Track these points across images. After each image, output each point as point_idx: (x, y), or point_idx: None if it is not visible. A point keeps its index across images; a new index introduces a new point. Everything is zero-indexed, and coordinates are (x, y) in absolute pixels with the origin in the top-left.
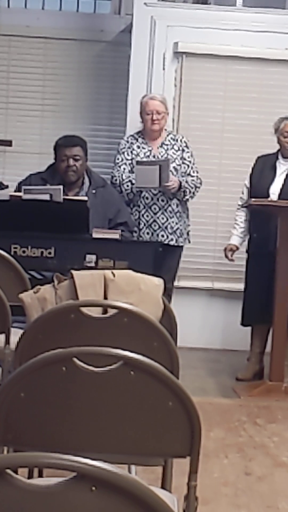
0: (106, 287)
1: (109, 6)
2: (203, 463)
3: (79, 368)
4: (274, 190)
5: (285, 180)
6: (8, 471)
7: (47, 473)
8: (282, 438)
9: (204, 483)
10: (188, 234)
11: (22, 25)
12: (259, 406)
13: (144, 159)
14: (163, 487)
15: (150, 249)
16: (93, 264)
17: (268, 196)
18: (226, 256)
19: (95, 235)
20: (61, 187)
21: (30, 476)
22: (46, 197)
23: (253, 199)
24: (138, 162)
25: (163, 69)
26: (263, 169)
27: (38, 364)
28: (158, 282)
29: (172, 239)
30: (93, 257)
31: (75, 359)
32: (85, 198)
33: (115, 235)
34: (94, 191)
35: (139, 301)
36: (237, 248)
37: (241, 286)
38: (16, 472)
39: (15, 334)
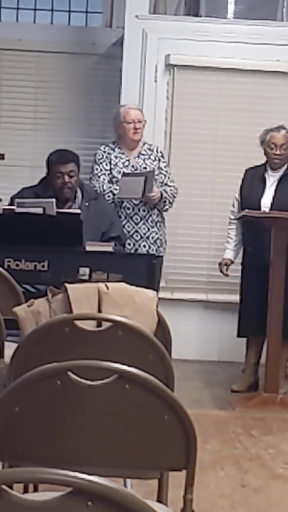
0: (100, 300)
1: (101, 19)
2: (199, 476)
3: (73, 381)
4: (266, 202)
5: (275, 192)
6: (4, 487)
7: (42, 487)
8: (278, 449)
9: (200, 496)
10: (166, 243)
11: (13, 38)
12: (254, 418)
13: (129, 171)
14: (159, 500)
15: (144, 262)
16: (86, 277)
17: (260, 208)
18: (221, 271)
19: (88, 248)
20: (53, 200)
21: (25, 491)
22: (39, 210)
23: (246, 211)
24: (124, 174)
25: (155, 81)
26: (253, 181)
27: (32, 378)
28: (152, 294)
29: (153, 249)
30: (87, 270)
31: (69, 373)
32: (78, 211)
33: (108, 247)
34: (87, 204)
35: (134, 314)
36: (232, 262)
37: (235, 297)
38: (11, 488)
39: (9, 348)
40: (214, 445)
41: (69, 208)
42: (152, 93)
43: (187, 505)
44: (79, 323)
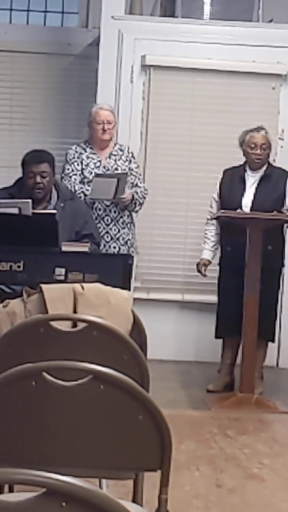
0: (76, 300)
1: (76, 20)
2: (174, 476)
3: (48, 382)
4: (246, 203)
5: (255, 192)
6: None
7: (17, 488)
8: (253, 449)
9: (175, 496)
10: (135, 244)
11: None
12: (229, 418)
13: (101, 172)
14: (134, 500)
15: (119, 262)
16: (62, 277)
17: (241, 208)
18: (199, 271)
19: (64, 248)
20: (29, 200)
21: (0, 491)
22: (15, 210)
23: (221, 211)
24: (96, 175)
25: (131, 82)
26: (232, 181)
27: (7, 379)
28: (127, 295)
29: (124, 251)
30: (63, 270)
31: (44, 374)
32: (54, 211)
33: (84, 248)
34: (62, 204)
35: (109, 315)
36: (210, 263)
37: (211, 298)
38: None
39: None
40: (190, 445)
41: (44, 208)
42: (128, 93)
43: (162, 505)
44: (54, 323)
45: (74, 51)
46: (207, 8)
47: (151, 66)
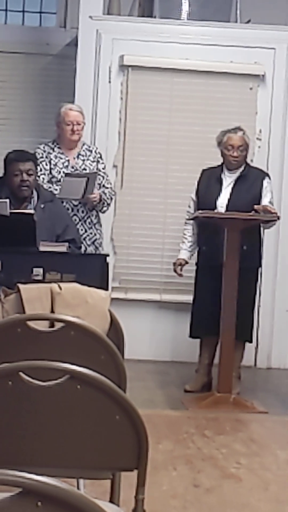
0: (53, 300)
1: (55, 20)
2: (151, 476)
3: (25, 382)
4: (222, 203)
5: (231, 193)
6: None
7: None
8: (230, 449)
9: (152, 496)
10: (101, 244)
11: None
12: (207, 418)
13: (69, 171)
14: (111, 500)
15: (97, 262)
16: (40, 277)
17: (215, 208)
18: (175, 271)
19: (42, 248)
20: (7, 200)
21: None
22: None
23: (199, 211)
24: (66, 174)
25: (109, 82)
26: (209, 182)
27: None
28: (104, 295)
29: (90, 250)
30: (40, 270)
31: (21, 374)
32: (32, 211)
33: (62, 248)
34: (42, 206)
35: (86, 314)
36: (186, 263)
37: (189, 298)
38: None
39: None
40: (167, 445)
41: (24, 208)
42: (106, 93)
43: (138, 505)
44: (31, 323)
45: (52, 51)
46: (185, 9)
47: (129, 66)
